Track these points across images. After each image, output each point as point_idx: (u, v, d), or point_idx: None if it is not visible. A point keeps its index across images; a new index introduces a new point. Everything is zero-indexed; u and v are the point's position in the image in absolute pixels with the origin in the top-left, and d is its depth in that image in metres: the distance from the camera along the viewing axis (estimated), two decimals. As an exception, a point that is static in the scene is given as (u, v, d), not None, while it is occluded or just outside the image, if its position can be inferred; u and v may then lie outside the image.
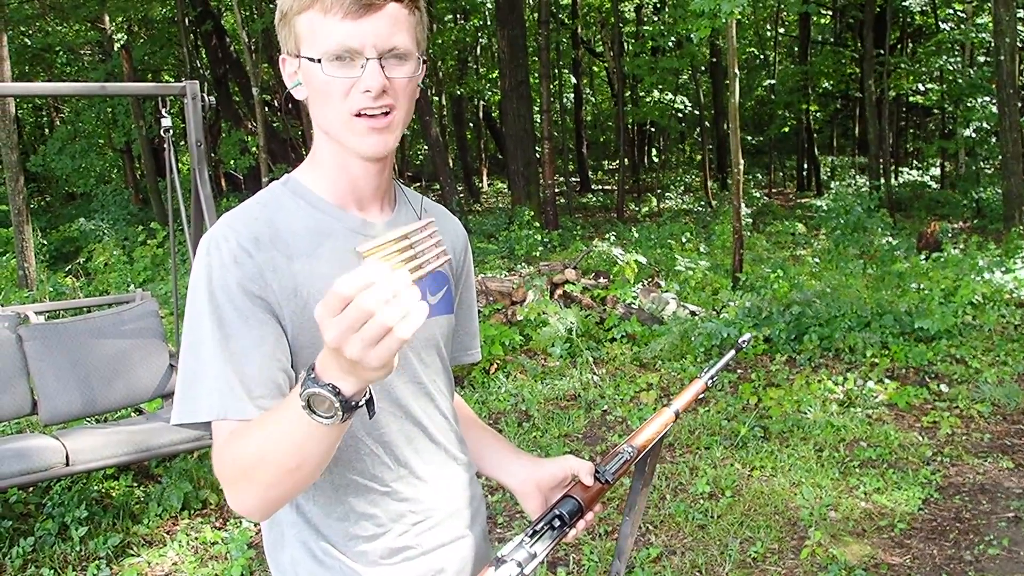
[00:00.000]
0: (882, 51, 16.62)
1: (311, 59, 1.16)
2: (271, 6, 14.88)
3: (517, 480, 1.44)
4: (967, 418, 5.11)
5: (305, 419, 0.96)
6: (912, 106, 22.63)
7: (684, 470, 4.50)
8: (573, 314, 6.95)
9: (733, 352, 1.66)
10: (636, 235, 12.43)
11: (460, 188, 18.57)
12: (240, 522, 4.02)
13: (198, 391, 1.13)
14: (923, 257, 9.46)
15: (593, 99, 29.07)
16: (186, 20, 16.43)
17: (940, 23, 18.17)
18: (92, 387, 4.16)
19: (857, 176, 20.76)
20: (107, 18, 17.02)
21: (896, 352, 6.05)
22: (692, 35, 9.99)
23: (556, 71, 19.76)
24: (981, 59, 17.36)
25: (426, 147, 16.95)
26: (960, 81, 16.28)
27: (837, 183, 19.00)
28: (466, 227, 1.65)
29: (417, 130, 17.67)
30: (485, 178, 25.27)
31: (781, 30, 22.48)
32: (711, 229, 12.80)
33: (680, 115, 19.11)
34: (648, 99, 18.68)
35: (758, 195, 18.51)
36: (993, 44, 12.69)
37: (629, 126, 22.29)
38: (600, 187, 24.82)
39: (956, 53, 17.14)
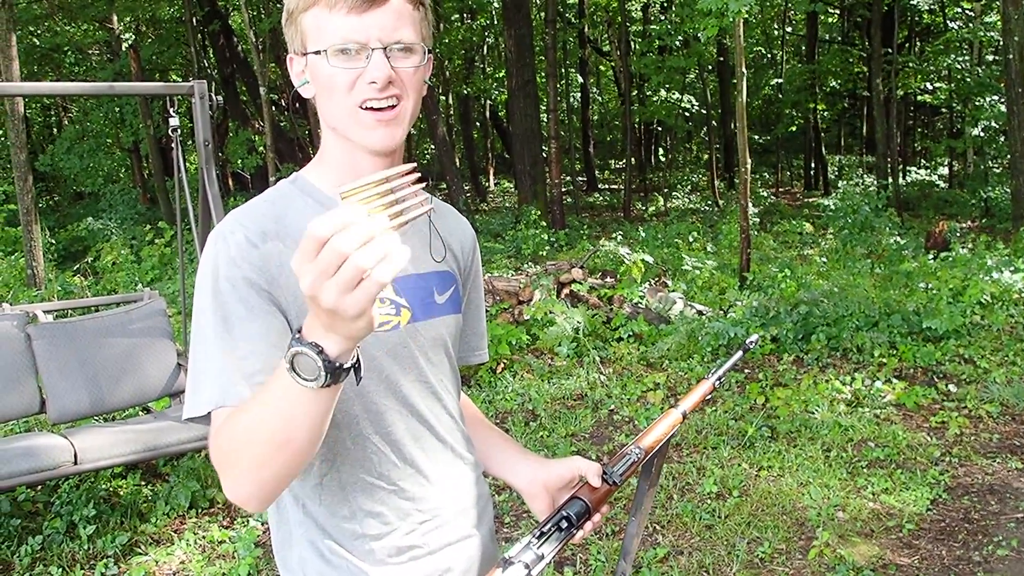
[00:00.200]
0: (890, 50, 16.56)
1: (317, 52, 1.16)
2: (278, 6, 14.90)
3: (524, 481, 1.44)
4: (976, 418, 5.09)
5: (291, 385, 0.94)
6: (920, 105, 22.57)
7: (691, 470, 4.49)
8: (580, 313, 6.95)
9: (740, 353, 1.66)
10: (643, 234, 12.41)
11: (467, 187, 18.58)
12: (247, 521, 4.03)
13: (203, 383, 1.13)
14: (931, 257, 9.43)
15: (600, 98, 29.06)
16: (194, 20, 16.47)
17: (948, 22, 18.10)
18: (100, 386, 4.17)
19: (865, 175, 20.69)
20: (115, 18, 17.08)
21: (904, 352, 6.03)
22: (699, 34, 9.98)
23: (563, 70, 19.74)
24: (989, 58, 17.30)
25: (433, 146, 16.95)
26: (968, 80, 16.22)
27: (844, 182, 18.96)
28: (473, 226, 1.65)
29: (424, 129, 17.68)
30: (492, 177, 25.27)
31: (788, 29, 22.44)
32: (718, 228, 12.78)
33: (687, 114, 19.09)
34: (655, 98, 18.67)
35: (765, 194, 18.48)
36: (1002, 43, 12.64)
37: (636, 125, 22.28)
38: (607, 186, 24.79)
39: (964, 52, 17.09)
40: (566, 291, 7.51)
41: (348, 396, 1.21)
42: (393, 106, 1.18)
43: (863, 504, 4.04)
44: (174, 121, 4.27)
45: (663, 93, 18.05)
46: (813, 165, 22.58)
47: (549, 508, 1.40)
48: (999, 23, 14.01)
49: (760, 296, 7.42)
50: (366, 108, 1.17)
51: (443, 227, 1.40)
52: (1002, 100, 14.71)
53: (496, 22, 18.52)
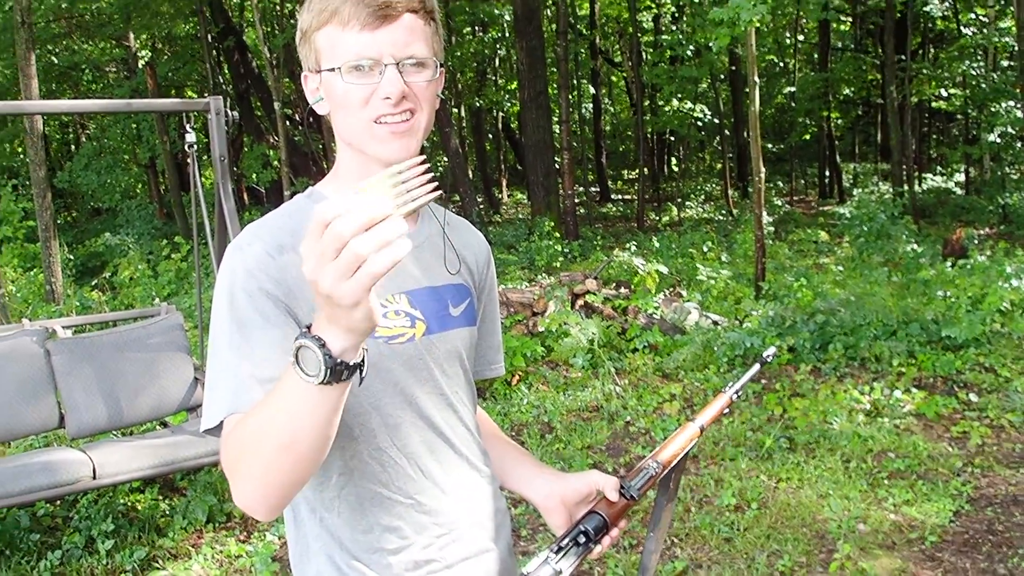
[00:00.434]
0: (903, 57, 16.50)
1: (331, 69, 1.18)
2: (292, 22, 15.01)
3: (541, 495, 1.43)
4: (997, 428, 5.04)
5: (296, 381, 0.95)
6: (935, 111, 22.46)
7: (709, 482, 4.46)
8: (595, 324, 6.93)
9: (758, 366, 1.65)
10: (657, 245, 12.38)
11: (480, 199, 18.62)
12: (264, 535, 4.03)
13: (218, 392, 1.14)
14: (949, 264, 9.35)
15: (612, 109, 29.08)
16: (209, 37, 16.61)
17: (962, 28, 18.00)
18: (118, 400, 4.19)
19: (880, 183, 20.59)
20: (132, 36, 17.26)
21: (923, 361, 5.98)
22: (711, 44, 9.97)
23: (575, 81, 19.78)
24: (1004, 63, 17.20)
25: (445, 159, 17.00)
26: (984, 86, 16.13)
27: (860, 190, 18.84)
28: (486, 238, 1.65)
29: (436, 142, 17.73)
30: (504, 189, 25.31)
31: (801, 37, 22.39)
32: (732, 238, 12.73)
33: (700, 124, 19.05)
34: (667, 108, 18.65)
35: (779, 203, 18.40)
36: (1017, 48, 12.58)
37: (648, 135, 22.27)
38: (620, 197, 24.77)
39: (979, 58, 16.99)
40: (580, 302, 7.49)
41: (365, 409, 1.22)
42: (407, 119, 1.19)
43: (884, 516, 4.00)
44: (190, 137, 4.30)
45: (675, 103, 18.03)
46: (828, 173, 22.49)
47: (566, 523, 1.39)
48: (1013, 28, 13.94)
49: (776, 305, 7.38)
50: (380, 122, 1.18)
51: (457, 240, 1.41)
52: (1018, 105, 14.63)
53: (508, 34, 18.58)
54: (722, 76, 20.71)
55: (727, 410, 1.58)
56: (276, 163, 15.28)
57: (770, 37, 21.22)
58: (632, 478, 1.38)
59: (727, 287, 8.66)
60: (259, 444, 1.03)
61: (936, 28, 20.67)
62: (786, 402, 5.47)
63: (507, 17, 16.68)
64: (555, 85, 16.43)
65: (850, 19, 22.14)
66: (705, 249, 11.97)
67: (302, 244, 0.87)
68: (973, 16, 17.71)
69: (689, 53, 16.54)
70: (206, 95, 4.86)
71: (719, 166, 23.33)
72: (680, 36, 16.33)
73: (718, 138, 22.18)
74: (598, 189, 23.90)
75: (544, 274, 10.85)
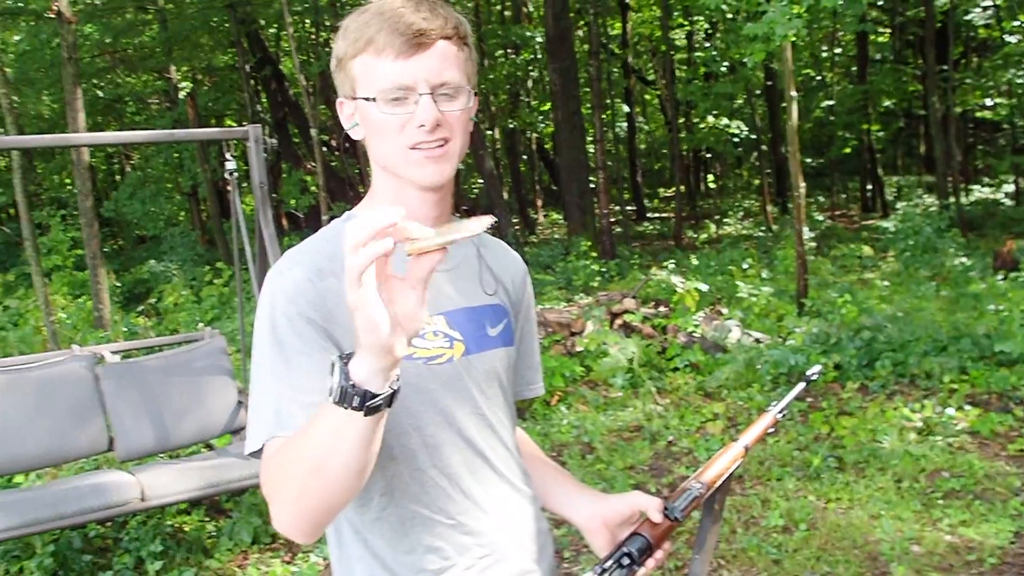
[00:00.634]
0: (945, 67, 16.26)
1: (367, 98, 1.20)
2: (327, 50, 15.22)
3: (583, 516, 1.42)
4: (1054, 444, 4.89)
5: (326, 405, 0.98)
6: (980, 121, 22.05)
7: (755, 502, 4.39)
8: (634, 344, 6.88)
9: (803, 385, 1.63)
10: (695, 262, 12.29)
11: (515, 220, 18.66)
12: (308, 556, 4.05)
13: (260, 416, 1.16)
14: (1000, 277, 9.16)
15: (647, 127, 29.02)
16: (247, 67, 16.91)
17: (1005, 35, 17.71)
18: (165, 423, 4.25)
19: (925, 195, 20.26)
20: (173, 68, 17.62)
21: (976, 377, 5.83)
22: (746, 60, 9.92)
23: (608, 101, 19.78)
24: (1052, 71, 16.86)
25: (481, 181, 17.10)
26: (1030, 94, 15.83)
27: (904, 203, 18.58)
28: (522, 259, 1.64)
29: (471, 164, 17.85)
30: (540, 210, 25.33)
31: (838, 50, 22.18)
32: (773, 254, 12.60)
33: (736, 140, 18.94)
34: (703, 125, 18.58)
35: (821, 218, 18.16)
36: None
37: (684, 153, 22.18)
38: (657, 215, 24.66)
39: (1024, 65, 16.68)
40: (619, 321, 7.45)
41: (404, 429, 1.22)
42: (441, 146, 1.21)
43: (939, 537, 3.89)
44: (230, 164, 4.36)
45: (711, 119, 17.96)
46: (870, 187, 22.17)
47: (609, 544, 1.38)
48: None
49: (820, 322, 7.27)
50: (416, 148, 1.20)
51: (493, 261, 1.41)
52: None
53: (540, 56, 18.67)
54: (758, 91, 20.58)
55: (772, 429, 1.56)
56: (314, 189, 15.47)
57: (806, 51, 21.05)
58: (676, 499, 1.36)
59: (769, 304, 8.55)
60: (292, 468, 1.05)
61: (978, 36, 20.35)
62: (833, 421, 5.37)
63: (539, 39, 16.78)
64: (588, 105, 16.46)
65: (888, 30, 21.90)
66: (745, 266, 11.85)
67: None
68: (1017, 23, 17.41)
69: (724, 69, 16.50)
70: (245, 124, 4.94)
71: (757, 182, 23.13)
72: (714, 52, 16.28)
73: (755, 154, 22.01)
74: (634, 208, 23.81)
75: (582, 294, 10.82)
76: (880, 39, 22.58)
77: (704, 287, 8.52)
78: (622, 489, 4.56)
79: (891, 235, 12.53)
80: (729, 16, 14.70)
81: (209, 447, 4.83)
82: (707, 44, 20.11)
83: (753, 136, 19.90)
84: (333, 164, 17.68)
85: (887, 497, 4.32)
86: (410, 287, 0.97)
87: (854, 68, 22.24)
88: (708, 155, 25.62)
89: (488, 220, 0.95)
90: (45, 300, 8.99)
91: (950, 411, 5.35)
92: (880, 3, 18.95)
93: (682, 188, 19.80)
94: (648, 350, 6.92)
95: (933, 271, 10.51)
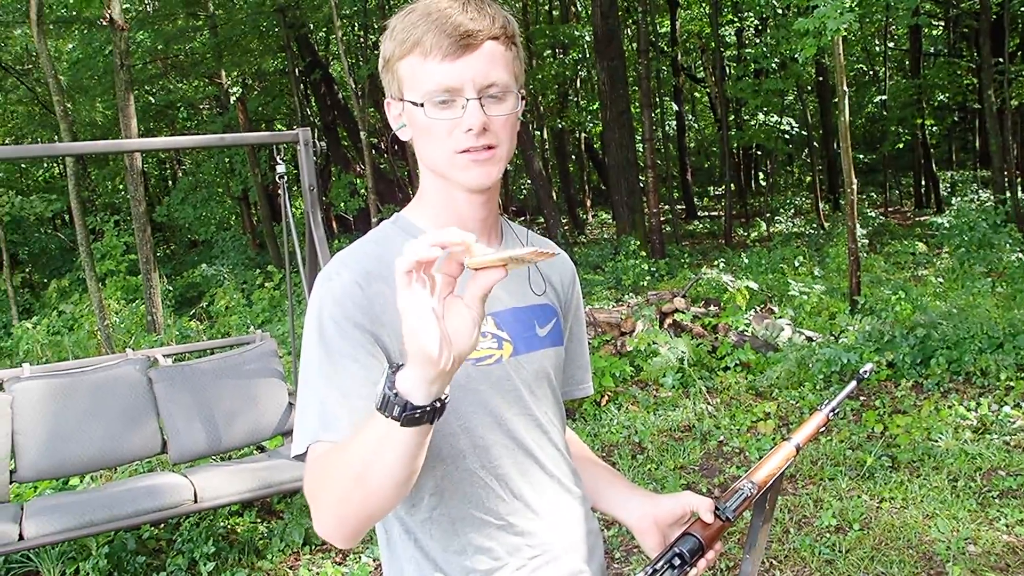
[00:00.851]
0: (1001, 59, 15.86)
1: (414, 103, 1.20)
2: (375, 53, 15.34)
3: (634, 516, 1.41)
4: (1118, 444, 4.75)
5: (375, 414, 0.98)
6: (1037, 114, 21.47)
7: (808, 502, 4.33)
8: (684, 343, 6.82)
9: (855, 383, 1.60)
10: (746, 260, 12.15)
11: (564, 220, 18.62)
12: (359, 557, 4.08)
13: (306, 420, 1.17)
14: (1059, 273, 8.91)
15: (696, 125, 28.77)
16: (296, 71, 17.13)
17: (1064, 26, 17.23)
18: (217, 426, 4.32)
19: (980, 190, 19.79)
20: (223, 73, 17.91)
21: (1033, 374, 5.69)
22: (796, 55, 9.77)
23: (657, 99, 19.65)
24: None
25: (529, 181, 17.09)
26: (1090, 85, 15.37)
27: (959, 199, 18.16)
28: (572, 259, 1.64)
29: (520, 165, 17.86)
30: (589, 209, 25.26)
31: (891, 44, 21.77)
32: (825, 252, 12.40)
33: (787, 137, 18.67)
34: (753, 122, 18.33)
35: (873, 215, 17.84)
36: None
37: (734, 150, 21.92)
38: (706, 213, 24.44)
39: (1084, 56, 16.21)
40: (669, 321, 7.40)
41: (454, 430, 1.22)
42: (488, 149, 1.20)
43: (996, 537, 3.80)
44: (281, 168, 4.41)
45: (761, 117, 17.72)
46: (924, 182, 21.71)
47: (660, 545, 1.37)
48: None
49: (873, 320, 7.14)
50: (463, 152, 1.20)
51: (542, 261, 1.40)
52: None
53: (588, 55, 18.60)
54: (809, 87, 20.29)
55: (824, 428, 1.54)
56: (363, 191, 15.62)
57: (858, 45, 20.70)
58: (727, 499, 1.35)
59: (820, 302, 8.42)
60: (336, 474, 1.06)
61: (1035, 28, 19.82)
62: (887, 419, 5.27)
63: (587, 38, 16.73)
64: (637, 104, 16.37)
65: (942, 23, 21.43)
66: (796, 264, 11.69)
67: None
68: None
69: (774, 65, 16.26)
70: (295, 127, 4.99)
71: (808, 179, 22.79)
72: (764, 49, 16.05)
73: (806, 150, 21.67)
74: (684, 206, 23.62)
75: (631, 293, 10.77)
76: (934, 32, 22.13)
77: (755, 285, 8.42)
78: (673, 489, 4.53)
79: (946, 231, 12.24)
80: (779, 11, 14.51)
81: (261, 449, 4.89)
82: (757, 40, 19.82)
83: (804, 133, 19.61)
84: (382, 166, 17.83)
85: (942, 496, 4.23)
86: (465, 305, 0.96)
87: (907, 62, 21.82)
88: (758, 152, 25.25)
89: (551, 252, 0.96)
90: (99, 305, 9.20)
91: (1007, 409, 5.23)
92: (933, -5, 18.55)
93: (732, 186, 19.57)
94: (698, 349, 6.86)
95: (989, 267, 10.25)
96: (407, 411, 0.95)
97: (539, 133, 21.28)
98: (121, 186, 19.79)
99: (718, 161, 24.96)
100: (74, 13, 15.77)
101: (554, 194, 18.15)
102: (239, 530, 4.50)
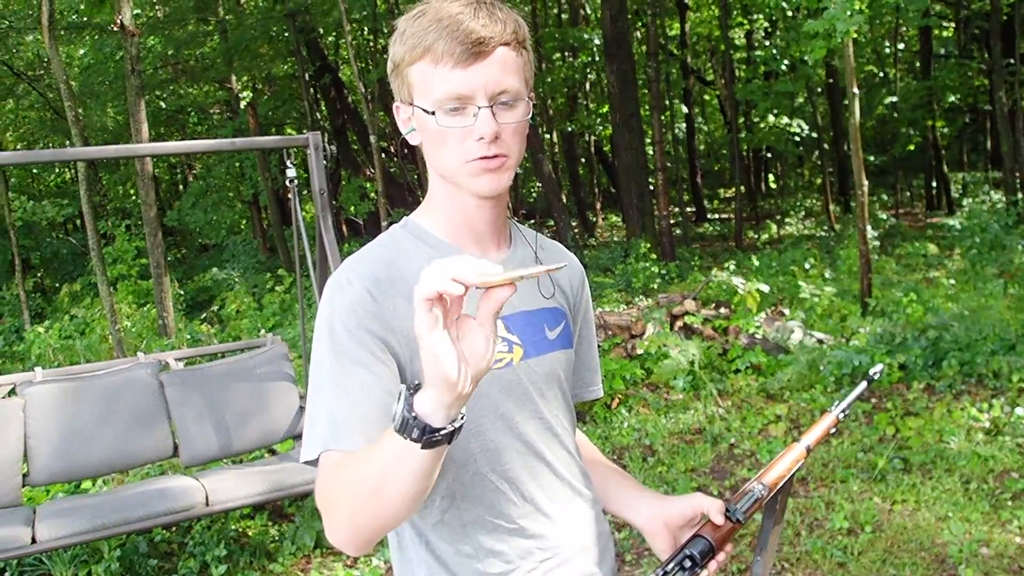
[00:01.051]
0: (1012, 60, 15.79)
1: (425, 110, 1.20)
2: (385, 56, 15.38)
3: (644, 518, 1.41)
4: None
5: (391, 432, 0.98)
6: (1049, 115, 21.34)
7: (819, 504, 4.31)
8: (695, 346, 6.81)
9: (865, 384, 1.60)
10: (756, 263, 12.11)
11: (574, 223, 18.60)
12: (370, 560, 4.09)
13: (316, 427, 1.17)
14: (1071, 274, 8.86)
15: (706, 128, 28.72)
16: (306, 75, 17.17)
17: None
18: (228, 429, 4.33)
19: (992, 192, 19.69)
20: (234, 78, 17.97)
21: (1047, 376, 5.65)
22: (806, 57, 9.74)
23: (667, 102, 19.64)
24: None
25: (539, 184, 17.08)
26: (1102, 86, 15.28)
27: (970, 200, 18.06)
28: (582, 262, 1.64)
29: (529, 168, 17.84)
30: (599, 212, 25.24)
31: (901, 46, 21.68)
32: (835, 254, 12.35)
33: (797, 139, 18.62)
34: (763, 124, 18.31)
35: (884, 216, 17.76)
36: None
37: (744, 153, 21.88)
38: (717, 216, 24.39)
39: (1096, 57, 16.10)
40: (679, 323, 7.38)
41: (465, 434, 1.22)
42: (499, 157, 1.20)
43: (1009, 539, 3.78)
44: (291, 172, 4.42)
45: (771, 119, 17.68)
46: (935, 184, 21.63)
47: (671, 547, 1.37)
48: None
49: (885, 322, 7.11)
50: (473, 160, 1.20)
51: (550, 264, 1.40)
52: None
53: (598, 58, 18.59)
54: (819, 89, 20.23)
55: (834, 430, 1.54)
56: (373, 195, 15.63)
57: (868, 47, 20.63)
58: (737, 501, 1.35)
59: (831, 304, 8.39)
60: (351, 487, 1.06)
61: (1047, 28, 19.69)
62: (898, 421, 5.25)
63: (597, 41, 16.72)
64: (647, 106, 16.34)
65: (953, 24, 21.35)
66: (807, 266, 11.64)
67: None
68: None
69: (784, 67, 16.24)
70: (305, 131, 5.01)
71: (819, 181, 22.73)
72: (774, 51, 16.02)
73: (817, 152, 21.62)
74: (694, 209, 23.60)
75: (641, 296, 10.75)
76: (944, 33, 22.05)
77: (765, 288, 8.39)
78: (684, 492, 4.52)
79: (957, 233, 12.20)
80: (789, 13, 14.49)
81: (272, 452, 4.90)
82: (767, 42, 19.79)
83: (814, 135, 19.56)
84: (392, 170, 17.85)
85: (954, 499, 4.21)
86: (479, 324, 0.97)
87: (918, 64, 21.76)
88: (768, 155, 25.22)
89: (559, 266, 1.01)
90: (111, 309, 9.23)
91: (1019, 411, 5.20)
92: (944, -4, 18.49)
93: (742, 188, 19.54)
94: (709, 352, 6.84)
95: (1001, 268, 10.20)
96: (427, 434, 0.96)
97: (549, 136, 21.29)
98: (132, 191, 19.87)
99: (728, 163, 24.92)
100: (85, 19, 15.85)
101: (564, 197, 18.15)
102: (250, 533, 4.51)
